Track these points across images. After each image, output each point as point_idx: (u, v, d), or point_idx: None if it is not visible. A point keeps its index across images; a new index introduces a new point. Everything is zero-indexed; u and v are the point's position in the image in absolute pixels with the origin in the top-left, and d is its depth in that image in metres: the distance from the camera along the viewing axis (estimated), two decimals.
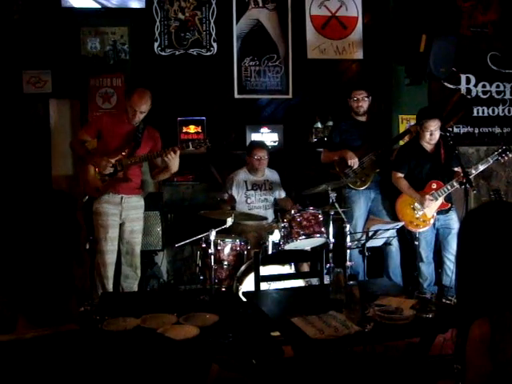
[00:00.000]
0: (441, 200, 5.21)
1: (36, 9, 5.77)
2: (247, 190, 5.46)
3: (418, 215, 5.25)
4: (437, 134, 5.18)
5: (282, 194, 5.63)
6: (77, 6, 5.79)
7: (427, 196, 5.17)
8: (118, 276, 4.94)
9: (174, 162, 4.69)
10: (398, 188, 5.37)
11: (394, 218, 5.40)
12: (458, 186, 5.07)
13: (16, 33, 5.74)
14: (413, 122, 5.90)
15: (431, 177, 5.26)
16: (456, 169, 5.24)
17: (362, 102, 5.47)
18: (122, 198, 4.84)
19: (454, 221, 5.29)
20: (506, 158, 5.20)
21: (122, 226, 4.89)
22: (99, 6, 5.86)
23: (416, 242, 5.29)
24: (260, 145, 5.54)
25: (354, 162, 5.35)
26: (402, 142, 5.81)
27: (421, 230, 5.26)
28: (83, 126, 5.02)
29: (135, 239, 4.93)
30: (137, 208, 4.97)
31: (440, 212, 5.26)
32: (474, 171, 5.14)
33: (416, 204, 5.24)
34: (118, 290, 4.90)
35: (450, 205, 5.27)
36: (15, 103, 5.85)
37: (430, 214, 5.23)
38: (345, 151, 5.39)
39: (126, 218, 4.88)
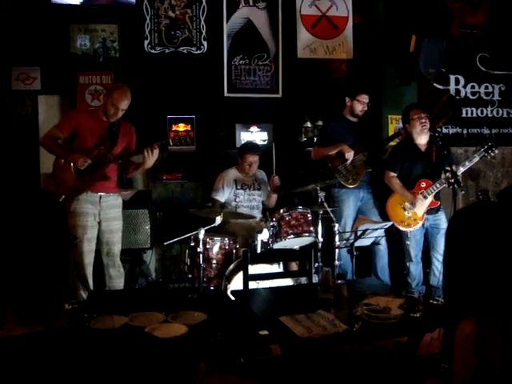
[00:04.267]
0: (430, 198, 5.23)
1: (25, 5, 5.74)
2: (236, 188, 5.47)
3: (408, 214, 5.28)
4: (428, 122, 5.23)
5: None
6: (66, 3, 5.76)
7: (418, 196, 5.20)
8: (101, 276, 4.88)
9: (152, 159, 4.58)
10: (390, 187, 5.40)
11: (383, 217, 5.43)
12: (446, 184, 5.10)
13: (5, 29, 5.71)
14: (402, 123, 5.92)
15: (422, 176, 5.29)
16: (446, 168, 5.27)
17: (366, 106, 5.54)
18: (100, 196, 4.70)
19: (442, 221, 5.32)
20: (492, 154, 5.22)
21: (99, 225, 4.74)
22: (89, 3, 5.84)
23: (406, 242, 5.32)
24: (252, 149, 5.51)
25: (350, 155, 5.38)
26: (393, 143, 5.84)
27: (412, 230, 5.29)
28: (56, 124, 4.73)
29: (114, 238, 4.81)
30: (115, 207, 4.84)
31: (429, 212, 5.29)
32: (461, 168, 5.17)
33: (406, 203, 5.27)
34: (102, 289, 4.83)
35: (439, 203, 5.30)
36: (3, 100, 5.82)
37: (421, 213, 5.26)
38: (341, 144, 5.42)
39: (104, 218, 4.74)
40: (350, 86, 5.98)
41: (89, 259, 4.69)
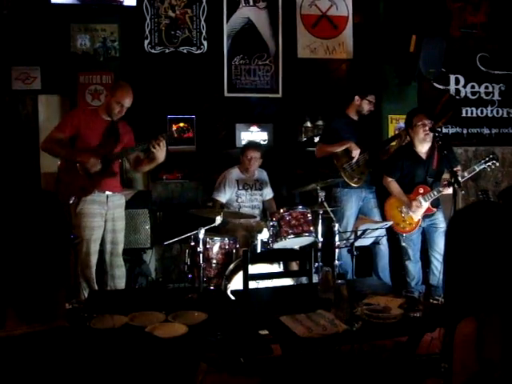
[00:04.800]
0: (427, 205, 5.23)
1: (25, 4, 5.74)
2: (238, 189, 5.48)
3: (404, 218, 5.29)
4: (430, 125, 5.22)
5: (270, 194, 5.65)
6: (66, 2, 5.76)
7: (414, 203, 5.20)
8: (102, 275, 4.88)
9: (161, 152, 4.57)
10: (388, 190, 5.40)
11: (385, 217, 5.43)
12: (444, 191, 5.11)
13: (5, 28, 5.71)
14: (402, 123, 5.92)
15: (421, 182, 5.29)
16: (446, 173, 5.28)
17: (373, 106, 5.59)
18: (107, 196, 4.70)
19: (440, 220, 5.32)
20: (493, 167, 5.23)
21: (105, 225, 4.74)
22: (89, 3, 5.84)
23: (403, 242, 5.32)
24: (254, 145, 5.56)
25: (357, 152, 5.39)
26: (394, 143, 5.84)
27: (407, 233, 5.30)
28: (57, 126, 4.72)
29: (118, 238, 4.82)
30: (120, 206, 4.85)
31: (425, 216, 5.30)
32: (460, 178, 5.15)
33: (403, 207, 5.28)
34: (102, 288, 4.83)
35: (435, 209, 5.29)
36: (4, 99, 5.82)
37: (417, 217, 5.27)
38: (349, 142, 5.40)
39: (110, 217, 4.75)
40: (359, 86, 5.92)
41: (94, 259, 4.70)
